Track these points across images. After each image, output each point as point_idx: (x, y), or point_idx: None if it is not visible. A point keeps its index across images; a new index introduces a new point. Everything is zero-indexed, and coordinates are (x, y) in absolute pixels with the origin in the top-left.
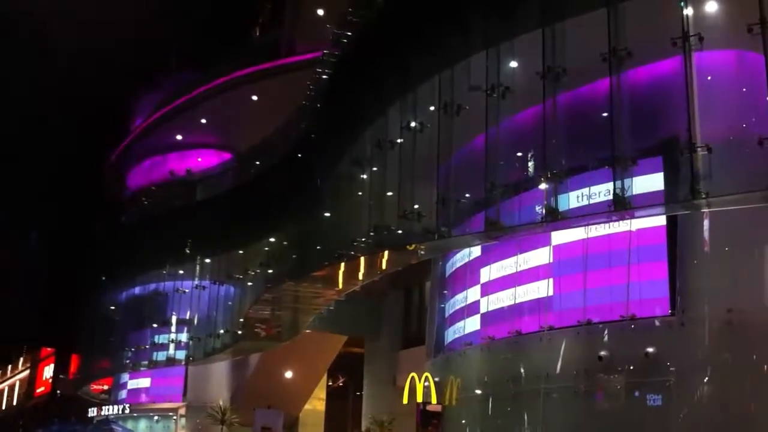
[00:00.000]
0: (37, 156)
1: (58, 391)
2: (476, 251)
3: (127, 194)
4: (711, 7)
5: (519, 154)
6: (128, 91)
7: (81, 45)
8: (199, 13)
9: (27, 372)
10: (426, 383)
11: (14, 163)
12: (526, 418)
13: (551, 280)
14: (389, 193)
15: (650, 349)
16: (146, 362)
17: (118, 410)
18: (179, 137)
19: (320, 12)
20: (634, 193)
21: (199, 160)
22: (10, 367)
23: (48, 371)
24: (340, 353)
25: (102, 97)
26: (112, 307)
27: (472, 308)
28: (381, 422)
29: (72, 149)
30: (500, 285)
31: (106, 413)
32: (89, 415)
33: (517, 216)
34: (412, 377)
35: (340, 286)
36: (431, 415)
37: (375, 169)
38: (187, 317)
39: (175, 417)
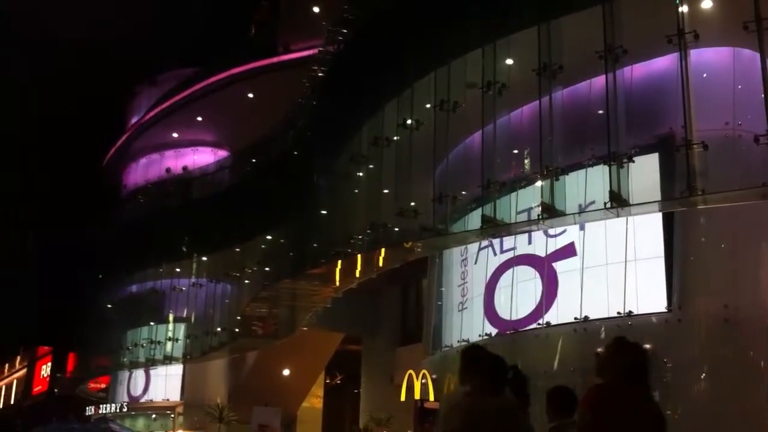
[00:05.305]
0: (34, 154)
1: (56, 390)
2: (473, 248)
3: (124, 192)
4: (706, 4)
5: (515, 150)
6: (124, 88)
7: (78, 43)
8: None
9: (24, 371)
10: (423, 380)
11: (10, 161)
12: None
13: (548, 276)
14: (386, 191)
15: (647, 346)
16: (143, 360)
17: (116, 408)
18: (175, 135)
19: (316, 9)
20: (630, 189)
21: (196, 157)
22: (7, 365)
23: (45, 370)
24: (337, 351)
25: (98, 95)
26: (109, 306)
27: (470, 305)
28: (378, 419)
29: (68, 147)
30: (497, 282)
31: (104, 411)
32: (87, 414)
33: (514, 213)
34: (410, 374)
35: (338, 283)
36: (429, 412)
37: (371, 166)
38: (184, 315)
39: (173, 415)
